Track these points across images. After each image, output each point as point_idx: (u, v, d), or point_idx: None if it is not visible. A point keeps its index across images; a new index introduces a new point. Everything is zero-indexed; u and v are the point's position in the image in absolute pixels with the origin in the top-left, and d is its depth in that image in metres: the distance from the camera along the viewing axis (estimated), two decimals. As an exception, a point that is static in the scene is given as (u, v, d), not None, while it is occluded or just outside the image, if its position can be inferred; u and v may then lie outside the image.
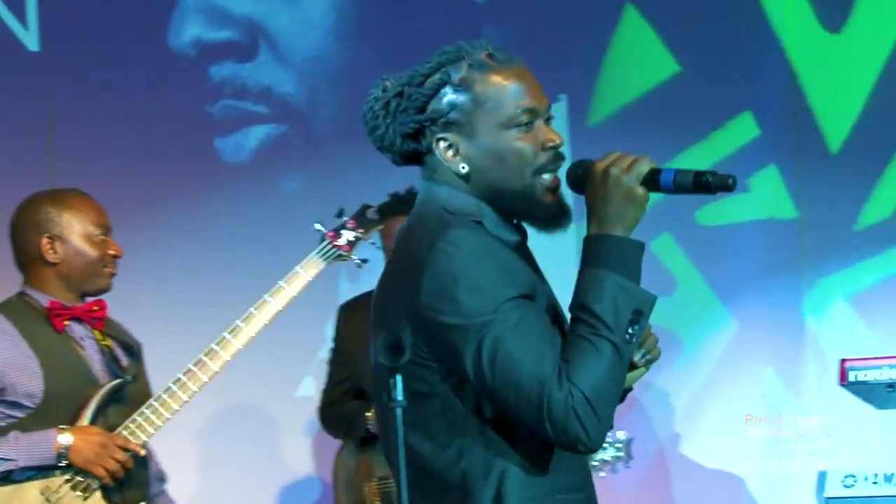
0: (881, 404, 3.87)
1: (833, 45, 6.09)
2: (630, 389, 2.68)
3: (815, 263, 6.01)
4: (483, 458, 2.55)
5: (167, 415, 4.02)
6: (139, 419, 4.01)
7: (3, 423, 3.98)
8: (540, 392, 2.46)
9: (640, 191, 2.56)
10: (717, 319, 6.06)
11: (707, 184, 2.54)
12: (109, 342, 4.13)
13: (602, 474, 4.81)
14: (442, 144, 2.64)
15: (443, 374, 2.55)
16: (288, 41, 6.18)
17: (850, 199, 6.01)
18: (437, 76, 2.65)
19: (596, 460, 4.76)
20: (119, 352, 4.14)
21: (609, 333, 2.48)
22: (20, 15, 5.91)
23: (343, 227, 4.44)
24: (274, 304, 4.18)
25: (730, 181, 2.54)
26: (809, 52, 6.11)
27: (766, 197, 6.06)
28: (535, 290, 2.57)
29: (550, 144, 2.60)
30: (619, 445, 4.81)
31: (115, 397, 4.04)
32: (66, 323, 4.04)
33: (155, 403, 4.02)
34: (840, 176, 6.02)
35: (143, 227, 5.89)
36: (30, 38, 5.92)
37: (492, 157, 2.61)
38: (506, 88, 2.61)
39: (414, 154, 2.69)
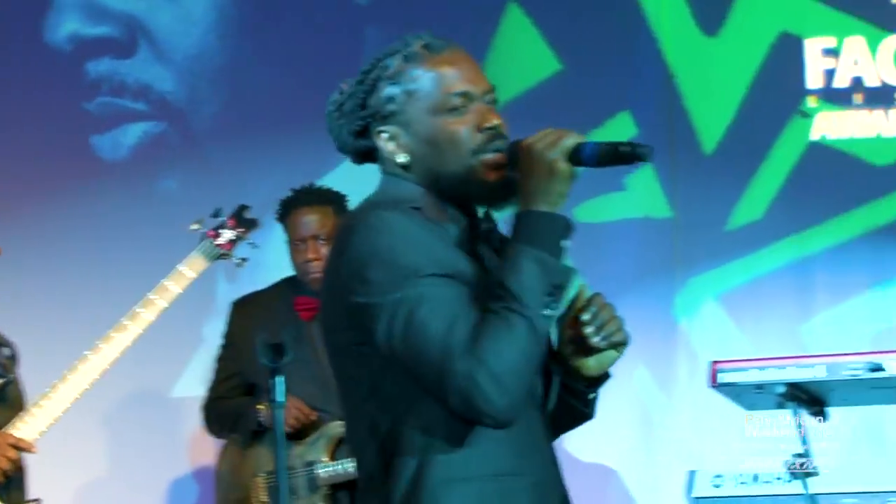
0: (750, 406, 3.93)
1: (709, 48, 6.17)
2: (608, 375, 2.73)
3: (688, 263, 6.08)
4: (408, 439, 2.56)
5: (58, 413, 3.99)
6: (26, 418, 3.97)
7: None
8: (441, 364, 2.48)
9: (563, 165, 2.60)
10: None
11: (623, 154, 2.59)
12: None
13: None
14: (383, 137, 2.68)
15: (366, 357, 2.57)
16: (168, 38, 6.13)
17: (722, 200, 6.09)
18: (374, 72, 2.69)
19: None
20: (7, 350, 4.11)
21: (521, 308, 2.50)
22: None
23: (223, 226, 4.51)
24: (160, 302, 4.19)
25: (645, 150, 2.59)
26: (686, 54, 6.18)
27: (641, 196, 6.13)
28: (459, 271, 2.57)
29: (487, 125, 2.64)
30: None
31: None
32: None
33: (43, 402, 3.98)
34: (713, 177, 6.10)
35: (18, 225, 5.81)
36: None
37: (427, 143, 2.65)
38: (436, 75, 2.65)
39: (369, 152, 2.73)
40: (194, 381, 5.74)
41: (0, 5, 5.93)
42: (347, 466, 4.66)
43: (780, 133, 6.10)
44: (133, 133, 6.05)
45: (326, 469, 4.70)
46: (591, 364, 2.67)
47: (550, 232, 2.60)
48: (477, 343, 2.47)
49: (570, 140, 2.61)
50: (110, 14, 6.06)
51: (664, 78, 6.15)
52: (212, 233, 4.49)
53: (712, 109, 6.15)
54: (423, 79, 2.65)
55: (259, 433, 4.76)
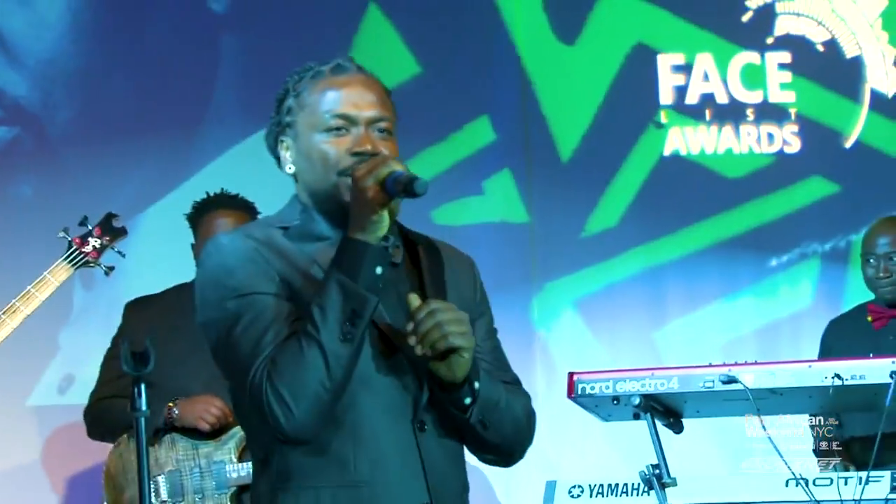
0: (607, 416, 3.99)
1: (566, 56, 6.28)
2: (470, 381, 2.74)
3: (545, 268, 6.18)
4: (266, 447, 2.69)
5: None
6: None
7: None
8: (243, 380, 2.63)
9: (371, 193, 2.63)
10: None
11: (408, 189, 2.65)
12: None
13: None
14: (282, 146, 2.79)
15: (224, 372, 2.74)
16: (21, 42, 6.04)
17: (578, 207, 6.20)
18: (289, 83, 2.80)
19: None
20: None
21: (315, 332, 2.59)
22: None
23: (90, 234, 4.57)
24: (24, 309, 4.19)
25: (419, 187, 2.65)
26: (543, 62, 6.28)
27: (499, 200, 6.21)
28: (283, 288, 2.67)
29: (357, 149, 2.71)
30: None
31: None
32: None
33: None
34: (569, 184, 6.21)
35: None
36: None
37: (305, 158, 2.75)
38: (324, 95, 2.75)
39: None
40: (51, 389, 5.67)
41: None
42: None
43: (634, 143, 6.22)
44: (-18, 137, 5.95)
45: (234, 470, 4.71)
46: (443, 371, 2.71)
47: (358, 258, 2.64)
48: (273, 363, 2.60)
49: (385, 169, 2.66)
50: (-42, 19, 5.96)
51: (522, 84, 6.23)
52: (78, 240, 4.55)
53: (569, 117, 6.26)
54: (314, 96, 2.75)
55: (160, 430, 4.74)
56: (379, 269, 2.63)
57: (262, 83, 6.20)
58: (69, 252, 4.50)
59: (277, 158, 2.81)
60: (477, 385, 2.72)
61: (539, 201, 6.21)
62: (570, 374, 3.94)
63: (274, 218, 2.80)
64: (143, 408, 2.56)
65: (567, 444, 5.88)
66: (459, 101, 6.21)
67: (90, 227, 4.59)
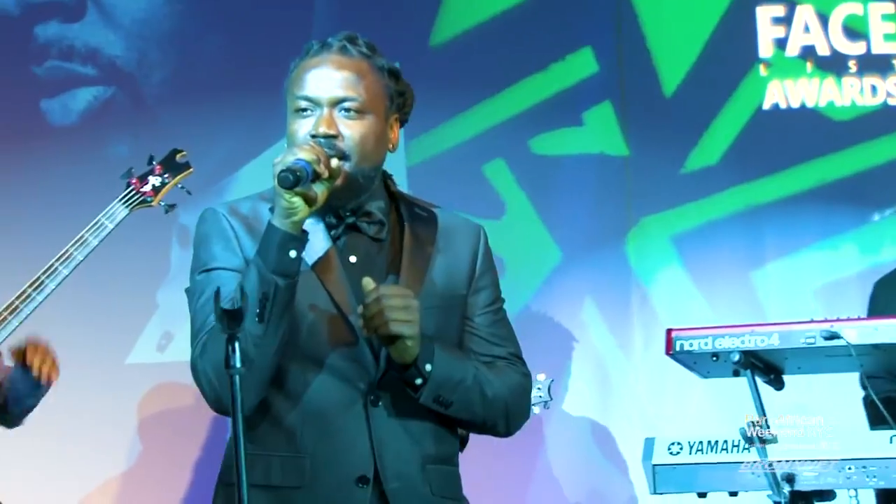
0: (706, 373, 3.96)
1: (672, -5, 6.19)
2: (415, 362, 2.81)
3: (642, 202, 6.11)
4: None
5: None
6: None
7: None
8: (191, 360, 2.84)
9: (275, 181, 2.74)
10: (542, 248, 6.13)
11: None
12: None
13: None
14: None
15: None
16: (117, 3, 6.06)
17: (679, 142, 6.12)
18: (291, 64, 2.96)
19: None
20: None
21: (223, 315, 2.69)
22: None
23: (150, 173, 4.48)
24: (78, 256, 4.13)
25: (278, 180, 2.72)
26: (649, -3, 6.20)
27: (598, 132, 6.14)
28: (245, 264, 2.82)
29: (313, 132, 2.83)
30: (540, 387, 4.89)
31: None
32: None
33: None
34: (671, 119, 6.12)
35: (-36, 187, 5.78)
36: None
37: (287, 136, 2.90)
38: (297, 77, 2.89)
39: None
40: (150, 347, 5.71)
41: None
42: None
43: (739, 82, 6.10)
44: (82, 97, 5.99)
45: None
46: (392, 352, 2.82)
47: (271, 244, 2.76)
48: (204, 342, 2.80)
49: (289, 157, 2.75)
50: (58, -23, 5.99)
51: (629, 17, 6.15)
52: (136, 181, 4.46)
53: (675, 52, 6.16)
54: (294, 77, 2.91)
55: None
56: (293, 253, 2.74)
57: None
58: (125, 193, 4.41)
59: None
60: (428, 367, 2.81)
61: (639, 135, 6.14)
62: (669, 331, 3.91)
63: (268, 191, 2.89)
64: (238, 365, 2.57)
65: (666, 399, 5.85)
66: (563, 31, 6.15)
67: (152, 166, 4.49)
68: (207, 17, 6.07)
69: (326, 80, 2.85)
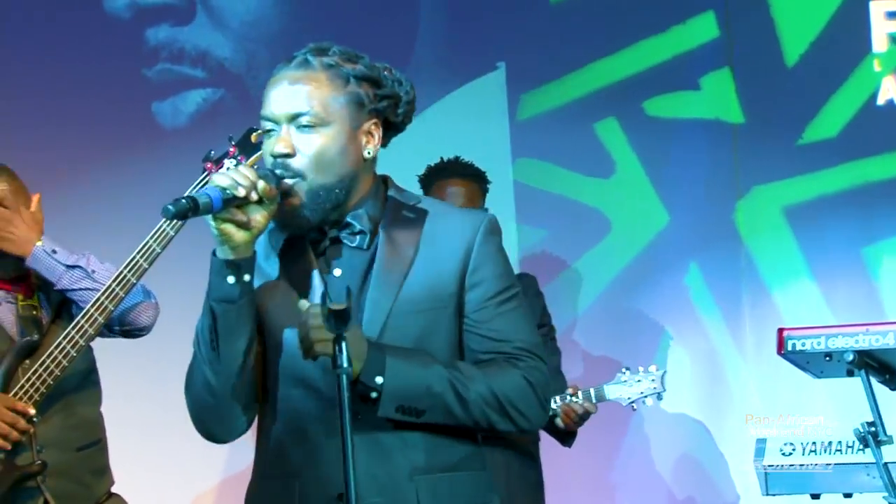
0: (819, 373, 3.89)
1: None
2: (362, 380, 2.71)
3: (754, 171, 6.06)
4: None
5: (57, 372, 3.98)
6: (33, 378, 3.97)
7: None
8: None
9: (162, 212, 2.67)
10: (649, 208, 6.11)
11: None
12: (36, 301, 4.10)
13: (634, 406, 4.89)
14: None
15: None
16: (225, 5, 6.13)
17: (797, 114, 6.06)
18: None
19: (631, 393, 4.83)
20: (46, 314, 4.10)
21: (196, 342, 2.76)
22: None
23: (225, 155, 4.31)
24: (157, 249, 4.13)
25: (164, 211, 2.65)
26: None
27: (715, 98, 6.11)
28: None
29: (271, 152, 2.77)
30: (654, 378, 4.87)
31: (28, 357, 4.01)
32: None
33: (47, 360, 3.97)
34: (791, 89, 6.06)
35: (80, 190, 5.84)
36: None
37: None
38: (264, 98, 2.83)
39: None
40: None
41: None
42: None
43: (863, 57, 6.02)
44: (192, 100, 6.05)
45: None
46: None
47: (211, 271, 2.72)
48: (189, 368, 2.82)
49: (210, 184, 2.68)
50: (167, -20, 6.06)
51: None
52: (210, 165, 4.29)
53: (801, 22, 6.10)
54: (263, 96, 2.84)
55: None
56: (231, 279, 2.68)
57: (461, 41, 6.21)
58: (200, 178, 4.26)
59: None
60: (379, 380, 2.70)
61: (756, 103, 6.09)
62: (780, 331, 3.85)
63: None
64: (346, 364, 2.55)
65: (777, 399, 5.79)
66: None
67: (227, 149, 4.31)
68: (315, 18, 6.10)
69: (281, 96, 2.78)
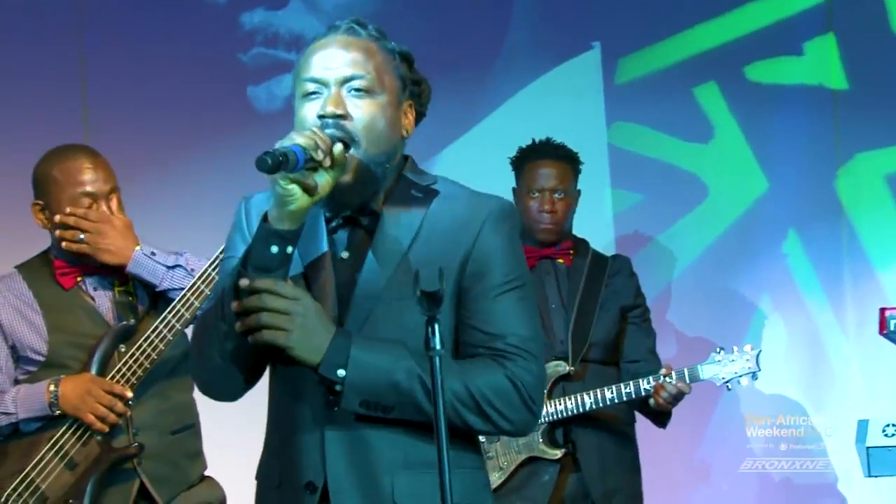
0: (921, 354, 3.84)
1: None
2: (286, 348, 2.60)
3: (856, 137, 5.99)
4: None
5: (154, 356, 4.02)
6: (130, 362, 4.01)
7: (22, 377, 4.02)
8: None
9: (258, 163, 2.52)
10: (748, 175, 6.07)
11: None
12: (131, 288, 4.14)
13: (729, 386, 4.86)
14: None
15: None
16: (320, -12, 6.15)
17: None
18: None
19: (725, 373, 4.81)
20: (142, 300, 4.14)
21: (220, 301, 2.61)
22: (51, -40, 5.92)
23: None
24: None
25: (257, 162, 2.52)
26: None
27: (819, 63, 6.05)
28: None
29: (320, 112, 2.63)
30: (748, 357, 4.85)
31: (125, 341, 4.06)
32: (79, 279, 4.07)
33: (144, 344, 4.01)
34: None
35: (175, 174, 5.90)
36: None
37: (295, 123, 2.69)
38: (305, 59, 2.69)
39: None
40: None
41: (154, -42, 5.99)
42: (566, 404, 4.78)
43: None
44: (287, 84, 6.06)
45: (545, 406, 4.76)
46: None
47: (257, 234, 2.59)
48: (197, 325, 2.72)
49: (286, 142, 2.55)
50: (263, -35, 6.10)
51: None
52: None
53: None
54: (301, 62, 2.70)
55: None
56: (275, 248, 2.55)
57: (555, 20, 6.19)
58: None
59: None
60: (341, 373, 2.56)
61: (861, 69, 6.02)
62: (882, 311, 3.81)
63: None
64: (438, 347, 2.50)
65: (879, 379, 5.72)
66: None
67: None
68: (408, 1, 6.10)
69: (333, 58, 2.65)
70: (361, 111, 2.64)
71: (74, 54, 5.96)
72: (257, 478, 2.79)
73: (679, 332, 5.97)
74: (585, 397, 4.75)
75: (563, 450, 4.80)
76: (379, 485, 2.62)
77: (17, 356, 4.06)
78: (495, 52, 6.14)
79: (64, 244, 4.00)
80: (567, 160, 4.95)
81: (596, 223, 5.64)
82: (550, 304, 4.89)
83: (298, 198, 2.53)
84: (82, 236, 4.00)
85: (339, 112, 2.61)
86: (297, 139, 2.52)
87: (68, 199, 4.03)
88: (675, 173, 6.09)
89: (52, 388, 3.96)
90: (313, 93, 2.65)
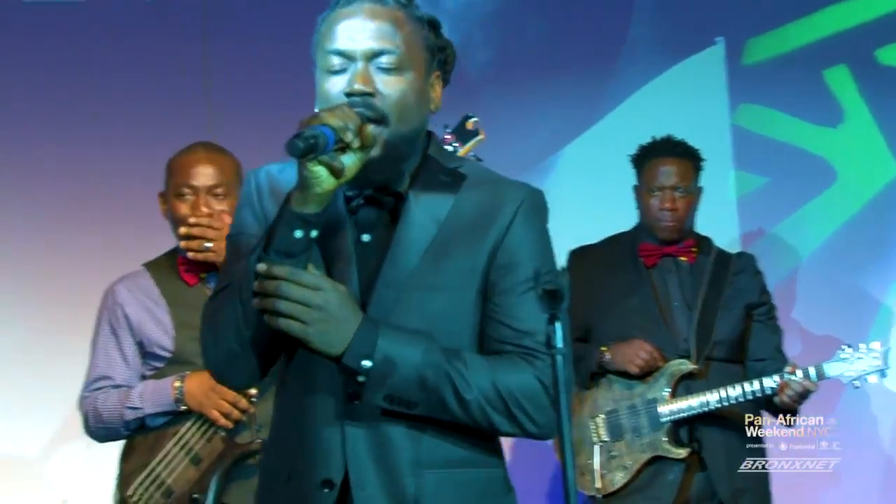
0: None
1: None
2: (302, 339, 2.48)
3: None
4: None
5: None
6: None
7: (149, 373, 4.07)
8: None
9: (291, 148, 2.37)
10: (877, 160, 5.99)
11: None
12: None
13: (856, 384, 4.80)
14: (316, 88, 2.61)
15: None
16: (441, -14, 6.15)
17: None
18: (318, 19, 2.59)
19: (852, 371, 4.75)
20: None
21: (237, 277, 2.49)
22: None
23: (441, 142, 4.29)
24: None
25: (288, 147, 2.37)
26: None
27: None
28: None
29: (347, 89, 2.47)
30: (876, 355, 4.79)
31: None
32: (203, 276, 4.10)
33: None
34: None
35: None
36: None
37: (318, 99, 2.53)
38: (328, 31, 2.52)
39: None
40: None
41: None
42: (690, 402, 4.74)
43: None
44: (408, 81, 6.09)
45: (668, 406, 4.74)
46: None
47: (277, 220, 2.45)
48: (211, 306, 2.57)
49: (314, 121, 2.39)
50: (385, -37, 6.10)
51: None
52: None
53: None
54: (323, 32, 2.53)
55: (595, 375, 4.86)
56: (299, 233, 2.41)
57: (677, 17, 6.14)
58: None
59: None
60: (367, 364, 2.44)
61: None
62: None
63: None
64: (559, 345, 2.43)
65: None
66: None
67: (442, 136, 4.25)
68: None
69: (360, 31, 2.48)
70: (391, 88, 2.48)
71: (198, 54, 6.03)
72: (260, 471, 2.67)
73: (803, 330, 5.89)
74: (710, 395, 4.71)
75: (688, 449, 4.76)
76: (401, 484, 2.50)
77: (145, 352, 4.10)
78: (617, 49, 6.11)
79: (190, 255, 4.03)
80: (688, 157, 4.91)
81: (718, 206, 5.58)
82: (673, 301, 4.86)
83: (325, 180, 2.40)
84: (208, 244, 4.02)
85: (368, 90, 2.46)
86: (328, 119, 2.38)
87: (173, 189, 4.06)
88: (802, 157, 6.02)
89: (177, 384, 4.01)
90: (337, 66, 2.49)
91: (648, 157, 4.92)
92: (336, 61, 2.49)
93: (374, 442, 2.50)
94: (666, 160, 4.89)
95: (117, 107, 5.85)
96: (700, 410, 4.73)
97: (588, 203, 5.78)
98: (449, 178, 2.56)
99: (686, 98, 6.00)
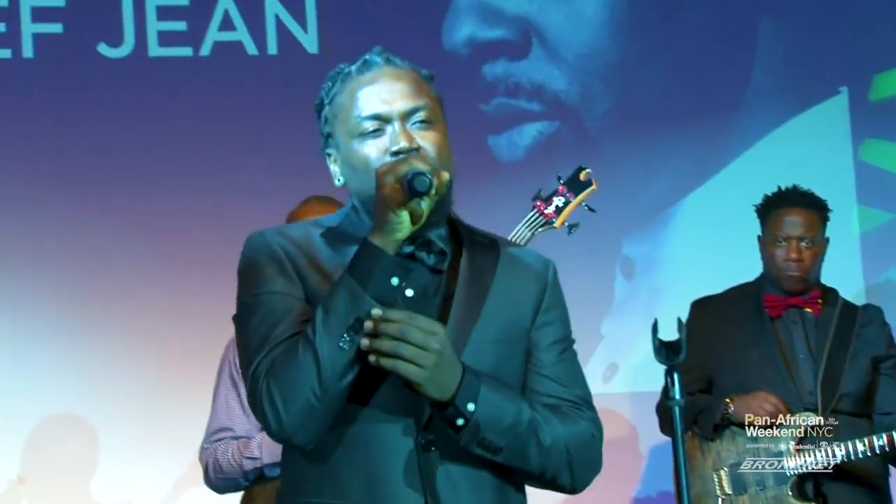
0: None
1: None
2: (452, 401, 2.47)
3: None
4: (284, 451, 2.66)
5: None
6: None
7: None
8: (246, 374, 2.55)
9: (387, 191, 2.43)
10: None
11: (410, 187, 2.44)
12: None
13: None
14: (329, 158, 2.66)
15: None
16: (560, 38, 6.17)
17: None
18: (322, 92, 2.66)
19: None
20: None
21: (313, 336, 2.45)
22: (300, 18, 6.06)
23: (554, 193, 4.29)
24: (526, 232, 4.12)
25: (418, 184, 2.42)
26: None
27: None
28: (300, 288, 2.56)
29: (394, 148, 2.53)
30: None
31: None
32: None
33: None
34: None
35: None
36: (309, 41, 6.06)
37: (349, 167, 2.60)
38: (352, 98, 2.59)
39: None
40: (595, 378, 5.73)
41: (402, 13, 6.08)
42: (816, 456, 4.66)
43: None
44: (528, 133, 6.11)
45: (794, 460, 4.67)
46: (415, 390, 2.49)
47: (366, 263, 2.45)
48: (272, 362, 2.49)
49: (404, 166, 2.44)
50: (504, 17, 6.14)
51: None
52: (540, 203, 4.25)
53: None
54: (345, 101, 2.59)
55: (718, 426, 4.79)
56: (395, 280, 2.45)
57: (799, 66, 6.09)
58: (529, 216, 4.24)
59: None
60: (471, 407, 2.46)
61: None
62: None
63: (321, 219, 2.67)
64: (678, 397, 2.49)
65: None
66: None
67: (556, 187, 4.29)
68: (649, 49, 6.09)
69: (390, 93, 2.56)
70: (429, 141, 2.56)
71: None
72: None
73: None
74: (836, 449, 4.63)
75: (813, 503, 4.69)
76: None
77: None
78: (739, 98, 6.07)
79: None
80: (815, 208, 4.86)
81: (841, 242, 5.49)
82: (798, 354, 4.80)
83: (407, 226, 2.47)
84: None
85: (414, 146, 2.53)
86: (418, 165, 2.45)
87: None
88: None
89: None
90: (374, 131, 2.56)
91: (774, 207, 4.88)
92: (370, 125, 2.57)
93: (453, 492, 2.52)
94: (792, 210, 4.84)
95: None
96: (826, 464, 4.65)
97: (708, 254, 5.73)
98: (486, 241, 2.65)
99: (809, 149, 5.94)
